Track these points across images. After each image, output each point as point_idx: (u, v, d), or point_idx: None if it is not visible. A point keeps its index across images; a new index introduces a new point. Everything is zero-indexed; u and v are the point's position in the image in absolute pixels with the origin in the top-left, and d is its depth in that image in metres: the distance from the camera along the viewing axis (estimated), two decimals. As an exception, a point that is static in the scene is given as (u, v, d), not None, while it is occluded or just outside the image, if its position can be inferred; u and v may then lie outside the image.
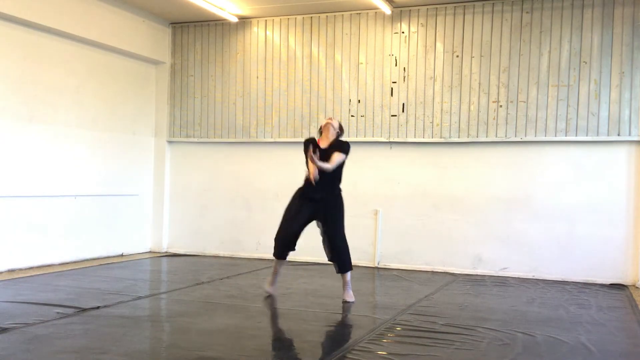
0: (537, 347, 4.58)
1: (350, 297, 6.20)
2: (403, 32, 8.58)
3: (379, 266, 8.70)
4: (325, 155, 5.94)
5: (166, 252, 9.80)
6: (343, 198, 6.16)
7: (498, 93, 8.16)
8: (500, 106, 8.15)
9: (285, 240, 6.14)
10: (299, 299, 6.28)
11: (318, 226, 6.17)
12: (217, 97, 9.57)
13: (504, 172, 8.21)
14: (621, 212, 7.73)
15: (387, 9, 8.39)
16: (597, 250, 7.78)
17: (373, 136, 8.74)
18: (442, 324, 5.21)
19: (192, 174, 9.79)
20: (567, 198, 7.92)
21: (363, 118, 8.77)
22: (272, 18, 9.22)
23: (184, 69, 9.76)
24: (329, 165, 5.83)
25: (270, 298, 6.30)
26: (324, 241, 6.16)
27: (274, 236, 6.31)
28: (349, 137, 8.83)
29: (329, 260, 6.23)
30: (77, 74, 8.37)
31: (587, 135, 7.80)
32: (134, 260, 8.87)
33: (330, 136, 6.07)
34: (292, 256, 8.17)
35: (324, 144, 6.08)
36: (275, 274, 6.41)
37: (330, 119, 6.16)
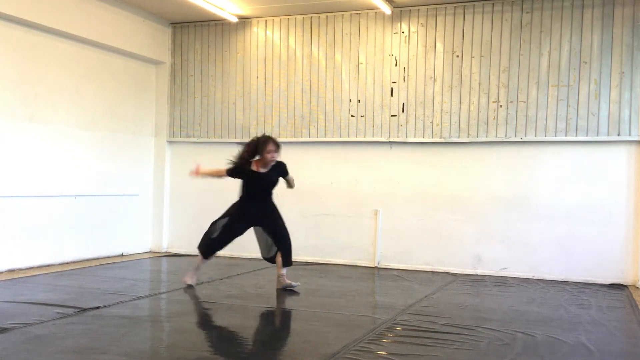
0: (537, 347, 4.58)
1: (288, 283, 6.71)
2: (403, 32, 8.59)
3: (379, 266, 8.71)
4: (269, 178, 6.54)
5: (166, 252, 9.80)
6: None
7: (498, 93, 8.16)
8: (500, 106, 8.15)
9: (219, 246, 6.75)
10: (299, 299, 6.28)
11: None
12: (217, 97, 9.57)
13: (504, 172, 8.21)
14: (621, 212, 7.72)
15: (387, 9, 8.39)
16: (597, 250, 7.78)
17: (373, 136, 8.74)
18: (442, 324, 5.21)
19: (192, 174, 9.78)
20: (567, 198, 7.92)
21: (363, 118, 8.77)
22: (272, 18, 9.22)
23: (184, 69, 9.76)
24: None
25: (269, 298, 6.30)
26: (264, 240, 6.74)
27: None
28: (349, 137, 8.85)
29: (268, 256, 6.78)
30: (77, 74, 8.37)
31: (587, 135, 7.80)
32: (134, 260, 8.87)
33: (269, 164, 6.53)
34: (292, 256, 8.11)
35: (262, 168, 6.54)
36: (197, 269, 6.85)
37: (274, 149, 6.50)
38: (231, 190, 9.58)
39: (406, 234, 8.64)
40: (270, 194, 6.64)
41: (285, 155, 9.80)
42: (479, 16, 8.24)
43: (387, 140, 8.67)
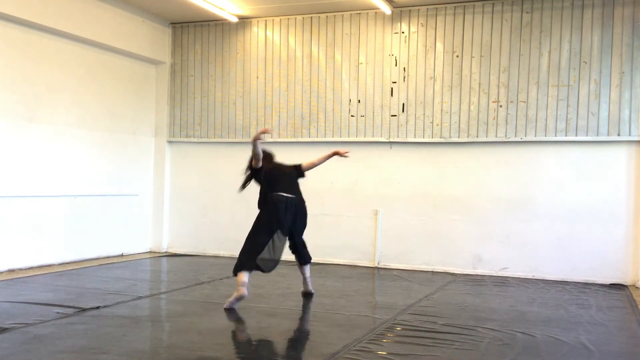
0: (537, 347, 4.58)
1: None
2: (403, 32, 8.58)
3: (379, 266, 8.70)
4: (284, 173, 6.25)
5: (166, 252, 9.80)
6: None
7: (498, 93, 8.16)
8: (500, 106, 8.15)
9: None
10: (299, 299, 6.28)
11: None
12: (217, 97, 9.57)
13: (504, 172, 8.21)
14: (621, 212, 7.72)
15: (387, 9, 8.39)
16: (597, 250, 7.78)
17: (373, 136, 8.74)
18: (442, 324, 5.21)
19: (192, 174, 9.79)
20: (567, 198, 7.92)
21: (363, 118, 8.77)
22: (272, 18, 9.22)
23: (184, 69, 9.76)
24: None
25: (269, 298, 6.31)
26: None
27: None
28: (349, 137, 8.85)
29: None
30: (77, 74, 8.37)
31: (587, 135, 7.80)
32: (134, 260, 8.87)
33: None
34: (292, 255, 8.17)
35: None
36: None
37: None
38: (230, 190, 9.59)
39: (406, 234, 8.64)
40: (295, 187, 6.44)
41: (285, 156, 9.84)
42: (479, 16, 8.24)
43: (387, 140, 8.67)
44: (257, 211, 6.30)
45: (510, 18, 8.11)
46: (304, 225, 6.25)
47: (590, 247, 7.80)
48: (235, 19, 9.22)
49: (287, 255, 8.92)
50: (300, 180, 6.34)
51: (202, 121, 9.67)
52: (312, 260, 6.45)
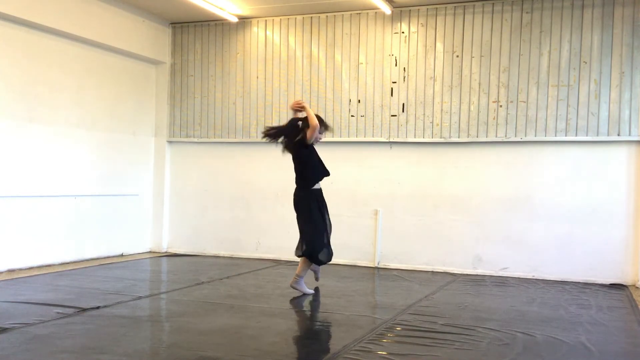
0: (537, 347, 4.58)
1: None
2: (403, 32, 8.59)
3: (379, 266, 8.70)
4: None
5: (166, 252, 9.80)
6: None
7: (498, 93, 8.16)
8: (500, 106, 8.15)
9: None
10: (299, 299, 6.28)
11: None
12: (217, 97, 9.57)
13: (504, 172, 8.21)
14: (621, 212, 7.72)
15: (387, 9, 8.39)
16: (597, 250, 7.78)
17: (373, 136, 8.74)
18: (442, 324, 5.21)
19: (192, 174, 9.79)
20: (567, 198, 7.92)
21: (363, 118, 8.77)
22: (272, 18, 9.22)
23: (184, 69, 9.76)
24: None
25: (269, 298, 6.31)
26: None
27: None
28: (349, 137, 8.85)
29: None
30: (77, 74, 8.37)
31: (587, 135, 7.80)
32: (134, 260, 8.87)
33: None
34: (292, 256, 8.20)
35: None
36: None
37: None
38: (231, 190, 9.60)
39: (406, 234, 8.64)
40: (297, 175, 6.58)
41: (284, 156, 9.80)
42: (479, 16, 8.24)
43: (387, 140, 8.67)
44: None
45: (510, 18, 8.11)
46: (297, 212, 6.47)
47: (590, 247, 7.81)
48: (235, 19, 9.22)
49: (287, 255, 8.94)
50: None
51: (202, 121, 9.67)
52: (300, 256, 6.49)
